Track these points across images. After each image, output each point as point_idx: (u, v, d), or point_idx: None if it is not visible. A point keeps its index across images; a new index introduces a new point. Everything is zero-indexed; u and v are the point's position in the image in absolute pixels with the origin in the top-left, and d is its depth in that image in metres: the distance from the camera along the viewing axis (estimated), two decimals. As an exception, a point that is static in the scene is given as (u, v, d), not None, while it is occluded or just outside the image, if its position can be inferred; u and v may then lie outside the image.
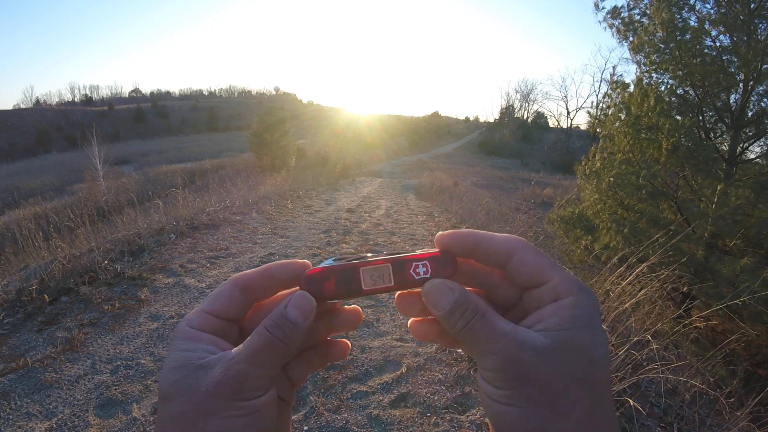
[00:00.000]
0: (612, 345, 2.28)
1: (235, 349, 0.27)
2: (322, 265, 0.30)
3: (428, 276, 0.29)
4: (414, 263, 0.29)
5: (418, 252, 0.30)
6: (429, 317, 0.31)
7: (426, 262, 0.29)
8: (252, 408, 0.26)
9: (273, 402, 0.27)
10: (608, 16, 6.32)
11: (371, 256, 0.30)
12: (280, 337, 0.27)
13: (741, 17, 4.34)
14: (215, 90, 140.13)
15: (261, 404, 0.26)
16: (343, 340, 0.33)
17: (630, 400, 1.83)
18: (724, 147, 4.87)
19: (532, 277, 0.27)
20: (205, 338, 0.27)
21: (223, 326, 0.29)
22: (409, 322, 0.32)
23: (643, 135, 4.62)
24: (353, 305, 0.33)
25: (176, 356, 0.26)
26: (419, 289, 0.29)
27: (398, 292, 0.31)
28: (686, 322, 2.68)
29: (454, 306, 0.27)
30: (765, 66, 4.12)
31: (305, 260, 0.30)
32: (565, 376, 0.24)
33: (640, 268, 2.60)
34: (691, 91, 4.81)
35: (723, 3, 4.70)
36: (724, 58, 4.49)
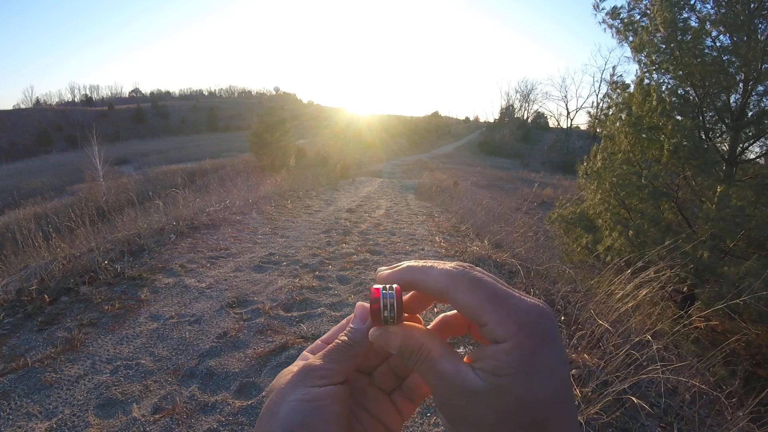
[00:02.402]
0: (612, 345, 2.28)
1: None
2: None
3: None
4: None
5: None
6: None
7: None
8: (312, 395, 0.28)
9: (337, 396, 0.29)
10: (607, 16, 6.31)
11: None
12: (343, 339, 0.31)
13: (741, 17, 4.34)
14: (215, 90, 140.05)
15: (323, 393, 0.28)
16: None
17: (633, 398, 1.83)
18: (724, 147, 4.87)
19: (469, 317, 0.26)
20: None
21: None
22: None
23: (643, 135, 4.61)
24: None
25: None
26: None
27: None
28: (686, 322, 2.67)
29: (401, 350, 0.29)
30: (765, 66, 4.12)
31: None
32: (499, 420, 0.24)
33: (646, 273, 2.60)
34: (691, 92, 4.81)
35: (723, 3, 4.70)
36: (724, 58, 4.49)
